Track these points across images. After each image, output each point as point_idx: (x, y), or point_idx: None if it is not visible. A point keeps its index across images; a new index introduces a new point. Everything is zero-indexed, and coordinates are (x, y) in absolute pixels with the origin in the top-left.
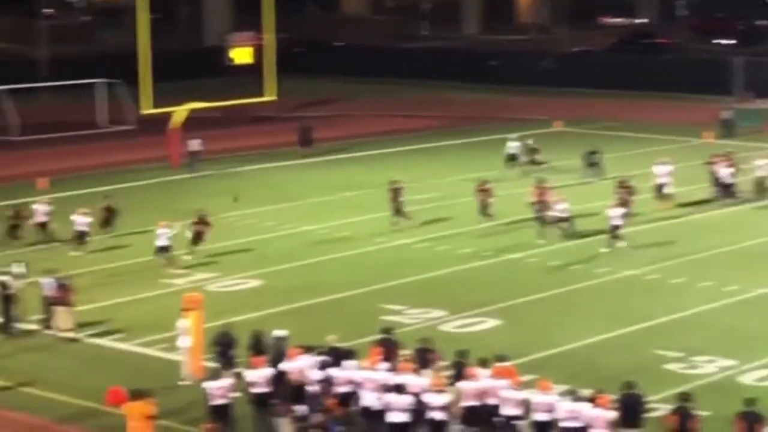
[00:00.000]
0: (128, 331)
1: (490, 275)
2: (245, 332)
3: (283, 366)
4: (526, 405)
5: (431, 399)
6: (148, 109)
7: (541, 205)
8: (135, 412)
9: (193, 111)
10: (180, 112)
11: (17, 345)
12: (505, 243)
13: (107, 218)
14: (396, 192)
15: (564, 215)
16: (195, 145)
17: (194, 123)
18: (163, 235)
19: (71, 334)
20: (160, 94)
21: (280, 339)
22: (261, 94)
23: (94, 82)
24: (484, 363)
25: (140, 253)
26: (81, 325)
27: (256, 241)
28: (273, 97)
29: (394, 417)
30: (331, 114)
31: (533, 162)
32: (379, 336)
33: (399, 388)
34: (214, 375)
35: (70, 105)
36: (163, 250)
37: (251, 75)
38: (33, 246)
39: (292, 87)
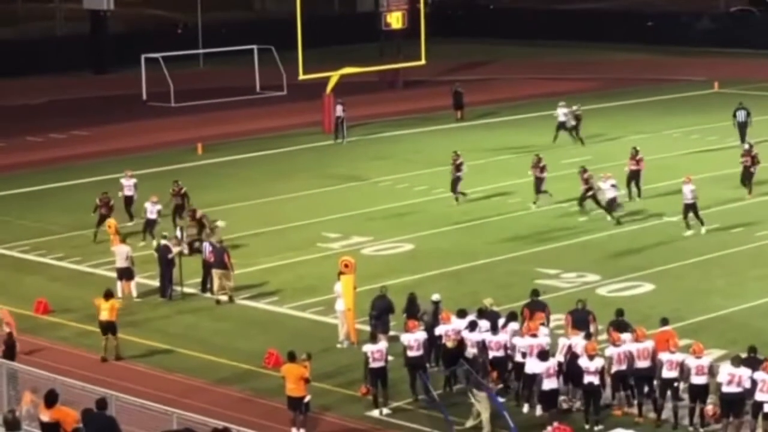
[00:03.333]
0: (284, 293)
1: (645, 239)
2: (398, 296)
3: (439, 329)
4: (684, 368)
5: (585, 364)
6: (304, 75)
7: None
8: (292, 374)
9: (348, 75)
10: (335, 78)
11: (176, 308)
12: (660, 206)
13: (179, 206)
14: (457, 167)
15: (611, 195)
16: (338, 110)
17: (348, 87)
18: (151, 209)
19: (228, 297)
20: (315, 60)
21: (435, 303)
22: (413, 59)
23: (247, 49)
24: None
25: (298, 217)
26: (238, 288)
27: (409, 205)
28: (422, 62)
29: (546, 384)
30: (484, 77)
31: (573, 131)
32: (529, 300)
33: (546, 354)
34: (372, 338)
35: (224, 71)
36: (151, 223)
37: (404, 39)
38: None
39: (446, 51)
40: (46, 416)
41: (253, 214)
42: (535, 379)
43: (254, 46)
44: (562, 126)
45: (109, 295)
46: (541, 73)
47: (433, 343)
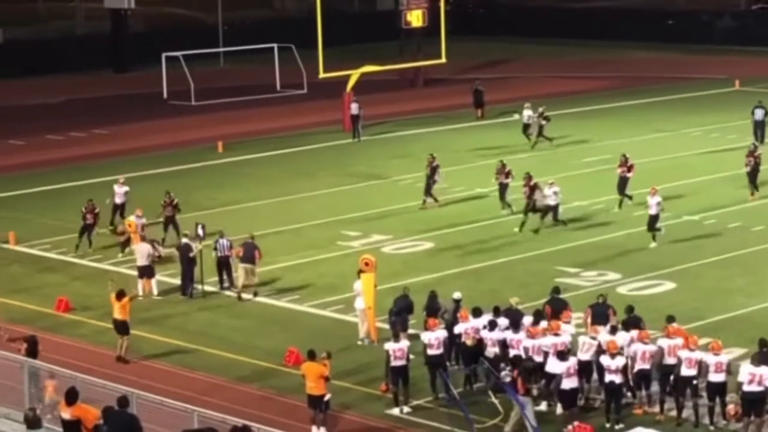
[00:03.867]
0: (304, 292)
1: (665, 237)
2: (418, 294)
3: (458, 328)
4: (702, 365)
5: (607, 362)
6: (324, 73)
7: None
8: (312, 372)
9: (368, 74)
10: (355, 76)
11: (196, 305)
12: (679, 205)
13: (170, 217)
14: (432, 170)
15: (552, 202)
16: (354, 108)
17: (368, 86)
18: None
19: (249, 295)
20: (336, 58)
21: (456, 301)
22: (433, 57)
23: (267, 47)
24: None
25: (318, 215)
26: (258, 286)
27: (428, 204)
28: (443, 60)
29: (566, 383)
30: (505, 76)
31: (540, 133)
32: (549, 297)
33: (565, 354)
34: (394, 336)
35: (244, 70)
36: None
37: (424, 38)
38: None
39: (466, 49)
40: (67, 414)
41: (273, 213)
42: (555, 378)
43: (274, 45)
44: (526, 128)
45: (121, 294)
46: (561, 71)
47: (453, 341)
